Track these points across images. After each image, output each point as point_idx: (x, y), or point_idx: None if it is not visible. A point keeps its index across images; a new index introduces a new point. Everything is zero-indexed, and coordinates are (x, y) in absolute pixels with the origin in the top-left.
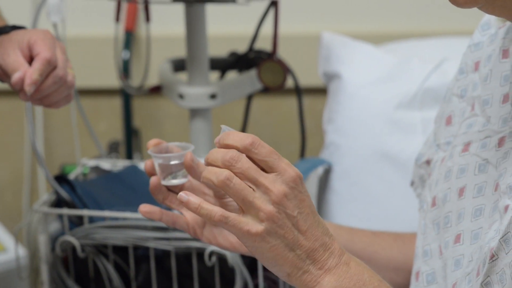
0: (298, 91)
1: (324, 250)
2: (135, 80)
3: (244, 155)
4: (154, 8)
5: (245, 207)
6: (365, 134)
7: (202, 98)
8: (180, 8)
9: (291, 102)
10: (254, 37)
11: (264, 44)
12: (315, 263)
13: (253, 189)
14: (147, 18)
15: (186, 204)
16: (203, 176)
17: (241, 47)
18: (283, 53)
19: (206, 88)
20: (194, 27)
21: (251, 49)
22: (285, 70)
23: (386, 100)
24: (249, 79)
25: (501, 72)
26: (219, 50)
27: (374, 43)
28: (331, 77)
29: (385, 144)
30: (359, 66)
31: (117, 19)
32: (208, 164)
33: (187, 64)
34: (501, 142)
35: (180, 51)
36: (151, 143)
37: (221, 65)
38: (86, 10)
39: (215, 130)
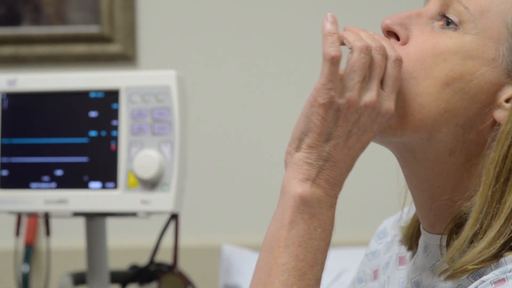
0: None
1: (332, 178)
2: None
3: None
4: (54, 222)
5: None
6: None
7: None
8: (80, 221)
9: None
10: (155, 250)
11: (165, 256)
12: (321, 172)
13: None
14: (48, 232)
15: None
16: (345, 38)
17: (142, 260)
18: (184, 265)
19: None
20: (95, 240)
21: (152, 261)
22: (185, 282)
23: None
24: None
25: (398, 278)
26: (120, 263)
27: None
28: None
29: None
30: None
31: (17, 233)
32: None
33: (88, 278)
34: None
35: (81, 264)
36: None
37: (122, 278)
38: None
39: None
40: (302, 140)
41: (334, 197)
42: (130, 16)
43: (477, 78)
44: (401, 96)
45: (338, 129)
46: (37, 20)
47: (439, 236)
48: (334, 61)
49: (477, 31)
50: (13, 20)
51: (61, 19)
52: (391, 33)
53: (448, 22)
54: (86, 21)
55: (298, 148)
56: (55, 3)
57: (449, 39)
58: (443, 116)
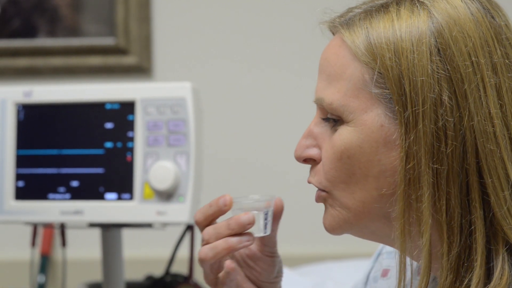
0: None
1: None
2: None
3: None
4: (70, 232)
5: None
6: None
7: None
8: (96, 232)
9: None
10: (171, 261)
11: (180, 267)
12: None
13: None
14: (63, 243)
15: None
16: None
17: (158, 271)
18: (199, 276)
19: None
20: (111, 251)
21: (167, 272)
22: None
23: None
24: None
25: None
26: (136, 274)
27: (290, 266)
28: None
29: None
30: None
31: (33, 243)
32: None
33: None
34: None
35: (97, 275)
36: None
37: None
38: (1, 234)
39: None
40: None
41: None
42: (145, 28)
43: (382, 153)
44: (344, 198)
45: None
46: (52, 32)
47: None
48: None
49: (352, 115)
50: (29, 32)
51: (77, 31)
52: (307, 160)
53: (334, 121)
54: (101, 33)
55: None
56: (71, 15)
57: (339, 138)
58: (382, 200)
